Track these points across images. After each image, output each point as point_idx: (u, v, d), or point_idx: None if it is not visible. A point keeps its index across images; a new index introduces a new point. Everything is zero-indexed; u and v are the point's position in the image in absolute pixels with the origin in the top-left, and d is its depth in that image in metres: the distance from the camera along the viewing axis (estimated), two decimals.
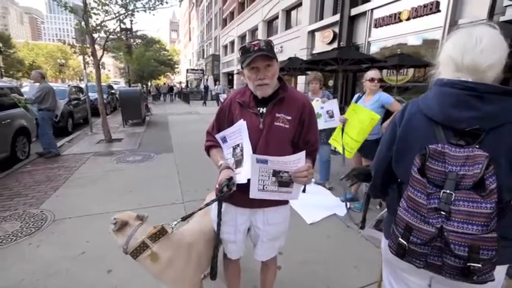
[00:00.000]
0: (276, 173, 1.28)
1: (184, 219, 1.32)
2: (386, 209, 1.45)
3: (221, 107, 1.50)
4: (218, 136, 1.47)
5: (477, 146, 0.82)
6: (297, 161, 1.26)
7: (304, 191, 3.62)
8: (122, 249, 1.30)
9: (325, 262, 2.40)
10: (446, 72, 0.93)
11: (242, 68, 1.36)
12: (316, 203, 3.44)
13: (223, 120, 1.46)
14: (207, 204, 1.40)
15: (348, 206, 3.37)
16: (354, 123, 3.09)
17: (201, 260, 1.47)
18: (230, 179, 1.28)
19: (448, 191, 0.81)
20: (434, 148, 0.85)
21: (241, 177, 1.32)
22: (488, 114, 0.83)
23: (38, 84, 5.51)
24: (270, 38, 1.40)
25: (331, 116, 3.55)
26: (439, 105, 0.90)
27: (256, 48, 1.26)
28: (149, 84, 25.22)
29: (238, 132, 1.36)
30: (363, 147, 3.16)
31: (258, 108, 1.38)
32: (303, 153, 1.26)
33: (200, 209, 1.41)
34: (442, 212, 0.80)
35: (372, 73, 3.08)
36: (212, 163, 1.50)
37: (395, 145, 1.01)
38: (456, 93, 0.87)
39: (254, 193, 1.31)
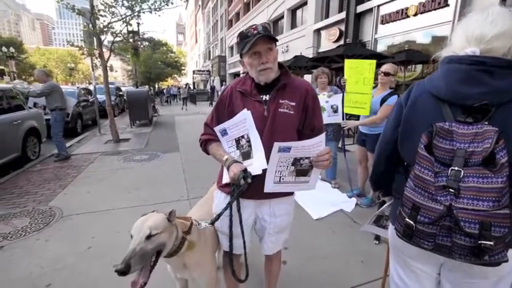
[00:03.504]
0: (295, 161, 1.22)
1: (212, 223, 1.33)
2: (387, 204, 1.41)
3: (221, 97, 1.44)
4: (217, 129, 1.39)
5: (486, 123, 0.78)
6: (319, 144, 1.20)
7: None
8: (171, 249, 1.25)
9: (332, 257, 2.36)
10: (456, 48, 0.90)
11: (242, 56, 1.32)
12: (323, 199, 3.39)
13: (223, 111, 1.39)
14: (229, 203, 1.30)
15: (355, 202, 3.33)
16: (355, 78, 3.13)
17: (213, 237, 1.53)
18: (245, 170, 1.22)
19: (456, 168, 0.77)
20: (441, 126, 0.82)
21: (254, 168, 1.26)
22: (498, 89, 0.79)
23: (42, 84, 5.27)
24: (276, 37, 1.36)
25: (335, 111, 3.49)
26: (446, 82, 0.86)
27: (255, 32, 1.22)
28: (181, 84, 24.05)
29: (243, 123, 1.30)
30: (368, 140, 3.12)
31: (261, 96, 1.34)
32: (323, 136, 1.22)
33: (221, 213, 1.33)
34: (451, 190, 0.76)
35: (384, 67, 3.02)
36: (215, 160, 1.44)
37: (401, 126, 0.98)
38: (464, 69, 0.83)
39: (269, 186, 1.25)
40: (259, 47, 1.24)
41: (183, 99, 18.12)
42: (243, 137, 1.32)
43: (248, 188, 1.26)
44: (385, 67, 3.00)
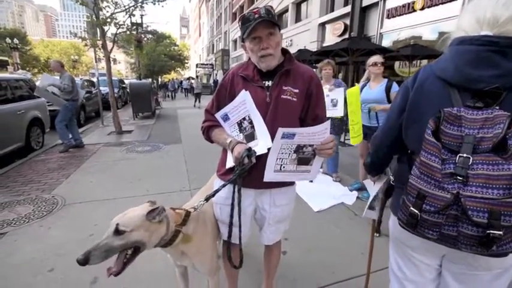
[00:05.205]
0: (298, 149, 1.18)
1: (207, 200, 1.31)
2: (380, 186, 1.36)
3: (222, 83, 1.40)
4: (218, 115, 1.36)
5: (497, 107, 0.75)
6: (324, 132, 1.15)
7: (311, 180, 3.58)
8: (159, 243, 1.20)
9: (332, 249, 2.37)
10: (466, 30, 0.86)
11: (243, 41, 1.28)
12: (324, 192, 3.39)
13: (224, 96, 1.36)
14: (230, 180, 1.26)
15: (356, 195, 3.32)
16: (352, 107, 3.11)
17: (214, 226, 1.51)
18: (249, 149, 1.18)
19: (464, 155, 0.74)
20: (449, 111, 0.79)
21: (260, 148, 1.23)
22: (510, 71, 0.75)
23: (47, 75, 5.37)
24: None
25: (335, 105, 3.45)
26: (455, 64, 0.83)
27: (256, 15, 1.17)
28: (189, 78, 23.26)
29: (242, 105, 1.27)
30: (369, 133, 3.09)
31: (263, 82, 1.30)
32: (328, 123, 1.17)
33: (219, 189, 1.31)
34: (459, 177, 0.73)
35: (374, 58, 3.04)
36: (217, 151, 1.41)
37: (407, 111, 0.95)
38: (475, 50, 0.79)
39: (270, 175, 1.21)
40: (259, 32, 1.20)
41: (196, 94, 15.51)
42: (244, 119, 1.29)
43: (249, 174, 1.24)
44: (373, 58, 3.03)
